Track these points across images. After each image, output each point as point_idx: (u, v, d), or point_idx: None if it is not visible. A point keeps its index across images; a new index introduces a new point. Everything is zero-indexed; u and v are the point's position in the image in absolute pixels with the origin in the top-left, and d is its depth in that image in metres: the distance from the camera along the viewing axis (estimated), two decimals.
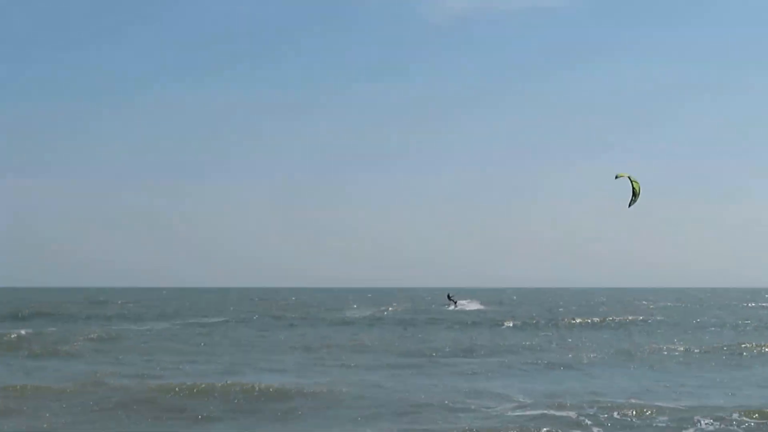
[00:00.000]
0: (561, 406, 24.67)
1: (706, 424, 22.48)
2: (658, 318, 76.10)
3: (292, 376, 31.90)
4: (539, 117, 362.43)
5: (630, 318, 73.59)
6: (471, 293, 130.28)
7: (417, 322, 67.97)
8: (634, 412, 23.94)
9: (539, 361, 37.43)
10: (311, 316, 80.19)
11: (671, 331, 58.01)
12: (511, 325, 66.05)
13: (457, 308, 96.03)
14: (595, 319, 70.90)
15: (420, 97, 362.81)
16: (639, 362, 37.84)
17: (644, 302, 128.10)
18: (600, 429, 22.13)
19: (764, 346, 44.19)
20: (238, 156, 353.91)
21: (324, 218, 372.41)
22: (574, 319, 71.38)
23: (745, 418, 23.11)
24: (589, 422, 22.59)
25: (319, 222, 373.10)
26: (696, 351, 42.33)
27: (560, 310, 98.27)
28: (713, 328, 61.69)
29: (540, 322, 69.14)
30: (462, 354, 41.21)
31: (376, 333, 56.22)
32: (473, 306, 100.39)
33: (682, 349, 43.33)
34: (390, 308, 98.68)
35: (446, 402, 25.33)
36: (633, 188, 34.20)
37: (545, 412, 23.96)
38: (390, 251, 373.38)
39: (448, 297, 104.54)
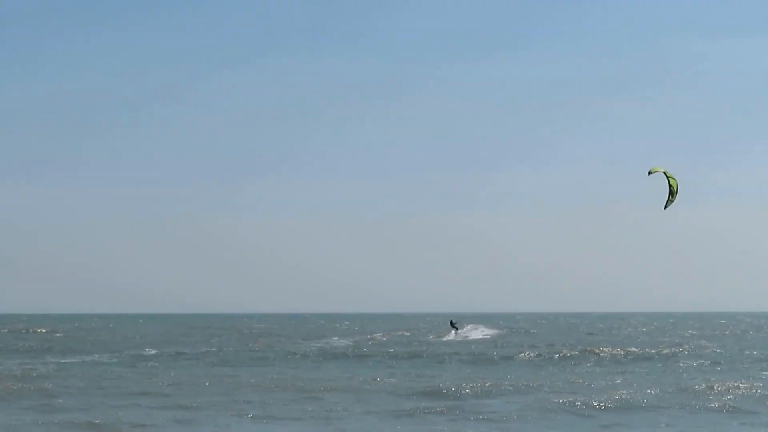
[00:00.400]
0: None
1: None
2: (703, 347, 70.85)
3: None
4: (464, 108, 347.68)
5: (668, 349, 67.77)
6: (476, 318, 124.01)
7: (416, 355, 61.28)
8: None
9: (581, 403, 34.13)
10: (282, 347, 73.89)
11: (725, 364, 54.23)
12: (530, 355, 61.29)
13: (456, 337, 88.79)
14: (632, 349, 65.50)
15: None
16: (709, 402, 34.26)
17: (644, 329, 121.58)
18: None
19: None
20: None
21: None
22: (600, 349, 65.01)
23: None
24: None
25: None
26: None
27: (588, 337, 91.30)
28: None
29: (565, 352, 62.83)
30: (483, 395, 38.00)
31: (375, 370, 50.75)
32: (477, 334, 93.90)
33: (748, 385, 40.05)
34: (376, 335, 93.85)
35: None
36: (670, 185, 28.42)
37: None
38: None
39: (451, 324, 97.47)
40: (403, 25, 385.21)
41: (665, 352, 64.37)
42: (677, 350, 66.47)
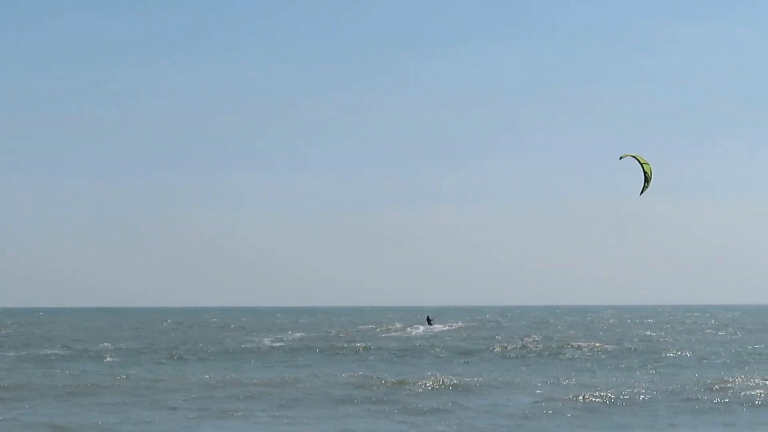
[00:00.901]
0: None
1: None
2: (672, 342, 70.22)
3: None
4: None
5: (643, 343, 67.56)
6: (445, 312, 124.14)
7: (381, 350, 60.84)
8: None
9: (582, 397, 33.85)
10: (228, 344, 71.05)
11: (702, 360, 53.58)
12: (506, 349, 60.55)
13: (425, 332, 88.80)
14: (609, 347, 63.54)
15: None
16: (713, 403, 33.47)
17: (611, 320, 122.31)
18: None
19: None
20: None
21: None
22: (578, 343, 64.78)
23: None
24: None
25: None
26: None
27: (558, 331, 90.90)
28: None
29: (539, 347, 62.67)
30: (478, 391, 37.26)
31: (343, 367, 49.40)
32: (445, 326, 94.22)
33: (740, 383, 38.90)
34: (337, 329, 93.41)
35: None
36: (645, 172, 28.05)
37: None
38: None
39: (428, 320, 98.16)
40: (371, 19, 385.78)
41: (641, 346, 63.83)
42: (651, 344, 66.30)
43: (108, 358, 55.12)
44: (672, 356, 55.25)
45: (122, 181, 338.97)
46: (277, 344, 69.95)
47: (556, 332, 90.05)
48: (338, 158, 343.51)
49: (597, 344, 64.20)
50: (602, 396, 34.13)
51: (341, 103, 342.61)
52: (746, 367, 47.21)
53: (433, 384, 38.47)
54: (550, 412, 31.30)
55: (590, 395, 34.32)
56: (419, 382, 38.82)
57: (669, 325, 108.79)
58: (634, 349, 61.30)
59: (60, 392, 36.99)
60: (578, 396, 34.15)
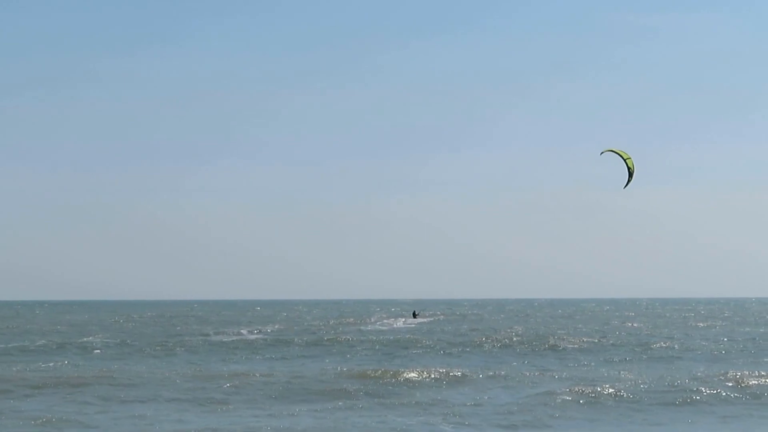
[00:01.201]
0: None
1: None
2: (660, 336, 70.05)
3: None
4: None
5: (603, 337, 66.66)
6: (418, 305, 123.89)
7: (366, 343, 61.14)
8: None
9: (579, 390, 33.18)
10: (214, 337, 70.53)
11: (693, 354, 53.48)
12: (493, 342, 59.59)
13: (408, 324, 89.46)
14: (595, 340, 63.28)
15: None
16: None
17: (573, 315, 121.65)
18: None
19: None
20: None
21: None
22: (565, 336, 64.73)
23: None
24: None
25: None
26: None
27: (539, 324, 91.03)
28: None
29: (527, 340, 62.46)
30: (470, 383, 37.00)
31: (330, 359, 49.39)
32: (420, 319, 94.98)
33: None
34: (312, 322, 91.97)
35: None
36: (628, 167, 29.09)
37: None
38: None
39: (414, 314, 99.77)
40: (341, 10, 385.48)
41: (628, 339, 63.93)
42: (637, 336, 66.69)
43: (96, 351, 55.26)
44: (660, 348, 55.35)
45: (92, 171, 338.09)
46: (263, 337, 69.56)
47: (539, 325, 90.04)
48: (311, 149, 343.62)
49: (584, 338, 63.75)
50: (598, 389, 33.91)
51: (313, 94, 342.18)
52: (735, 360, 47.60)
53: (423, 377, 38.39)
54: (548, 404, 31.14)
55: (585, 388, 34.17)
56: (407, 375, 38.72)
57: (648, 318, 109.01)
58: (620, 342, 60.95)
59: (46, 385, 36.57)
60: (575, 389, 33.91)
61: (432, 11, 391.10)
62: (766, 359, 48.42)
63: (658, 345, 57.75)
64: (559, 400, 31.96)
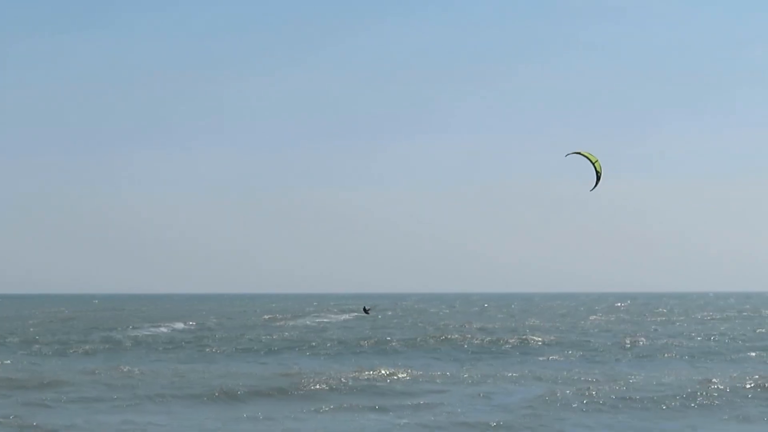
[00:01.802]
0: None
1: None
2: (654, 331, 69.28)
3: None
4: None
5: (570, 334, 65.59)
6: (368, 299, 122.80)
7: (325, 341, 59.15)
8: None
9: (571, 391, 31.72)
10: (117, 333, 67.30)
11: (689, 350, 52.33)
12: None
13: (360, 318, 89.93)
14: (569, 337, 62.03)
15: None
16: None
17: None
18: None
19: None
20: None
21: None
22: (539, 334, 62.66)
23: None
24: None
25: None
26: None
27: (499, 320, 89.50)
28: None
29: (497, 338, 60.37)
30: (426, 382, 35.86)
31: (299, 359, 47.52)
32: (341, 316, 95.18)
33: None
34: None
35: None
36: (596, 169, 29.42)
37: None
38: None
39: (364, 310, 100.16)
40: None
41: (603, 336, 63.12)
42: (611, 333, 66.03)
43: (36, 346, 53.87)
44: (641, 345, 54.56)
45: (17, 158, 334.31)
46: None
47: (500, 321, 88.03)
48: (258, 136, 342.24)
49: (554, 335, 62.48)
50: (591, 388, 33.30)
51: (262, 80, 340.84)
52: (718, 357, 47.34)
53: (382, 376, 37.23)
54: (548, 404, 30.47)
55: (579, 388, 33.46)
56: (368, 374, 37.56)
57: (617, 314, 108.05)
58: (597, 340, 59.26)
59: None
60: (558, 391, 32.69)
61: None
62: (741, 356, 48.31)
63: (638, 340, 57.24)
64: (560, 402, 30.97)
